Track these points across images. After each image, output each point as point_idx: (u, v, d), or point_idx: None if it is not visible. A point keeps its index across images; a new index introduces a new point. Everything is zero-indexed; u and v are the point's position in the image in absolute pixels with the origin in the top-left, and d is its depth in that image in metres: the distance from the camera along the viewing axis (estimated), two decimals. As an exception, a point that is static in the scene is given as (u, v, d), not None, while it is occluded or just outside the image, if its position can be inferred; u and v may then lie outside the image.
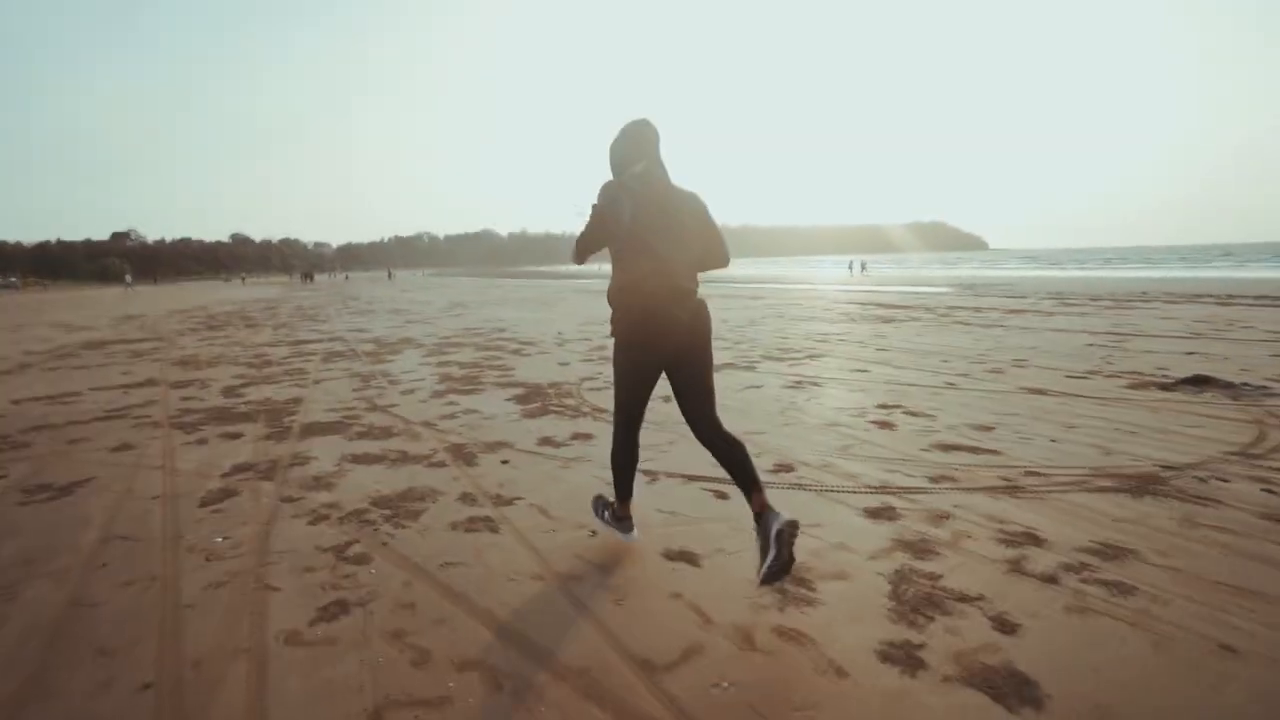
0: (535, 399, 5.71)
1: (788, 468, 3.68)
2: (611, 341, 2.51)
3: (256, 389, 6.50)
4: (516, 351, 8.76)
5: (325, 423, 4.95)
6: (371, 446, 4.26)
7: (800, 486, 3.37)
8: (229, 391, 6.39)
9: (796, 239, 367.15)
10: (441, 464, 3.87)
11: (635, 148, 2.35)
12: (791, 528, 2.14)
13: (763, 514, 2.24)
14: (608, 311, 2.50)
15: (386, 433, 4.62)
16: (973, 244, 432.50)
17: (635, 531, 2.68)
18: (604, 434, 4.34)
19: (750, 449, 2.45)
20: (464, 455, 4.04)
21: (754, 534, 2.29)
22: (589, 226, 2.38)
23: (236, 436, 4.60)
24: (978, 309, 14.23)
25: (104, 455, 4.24)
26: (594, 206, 2.36)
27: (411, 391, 6.15)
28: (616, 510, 2.68)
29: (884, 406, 5.11)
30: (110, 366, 8.43)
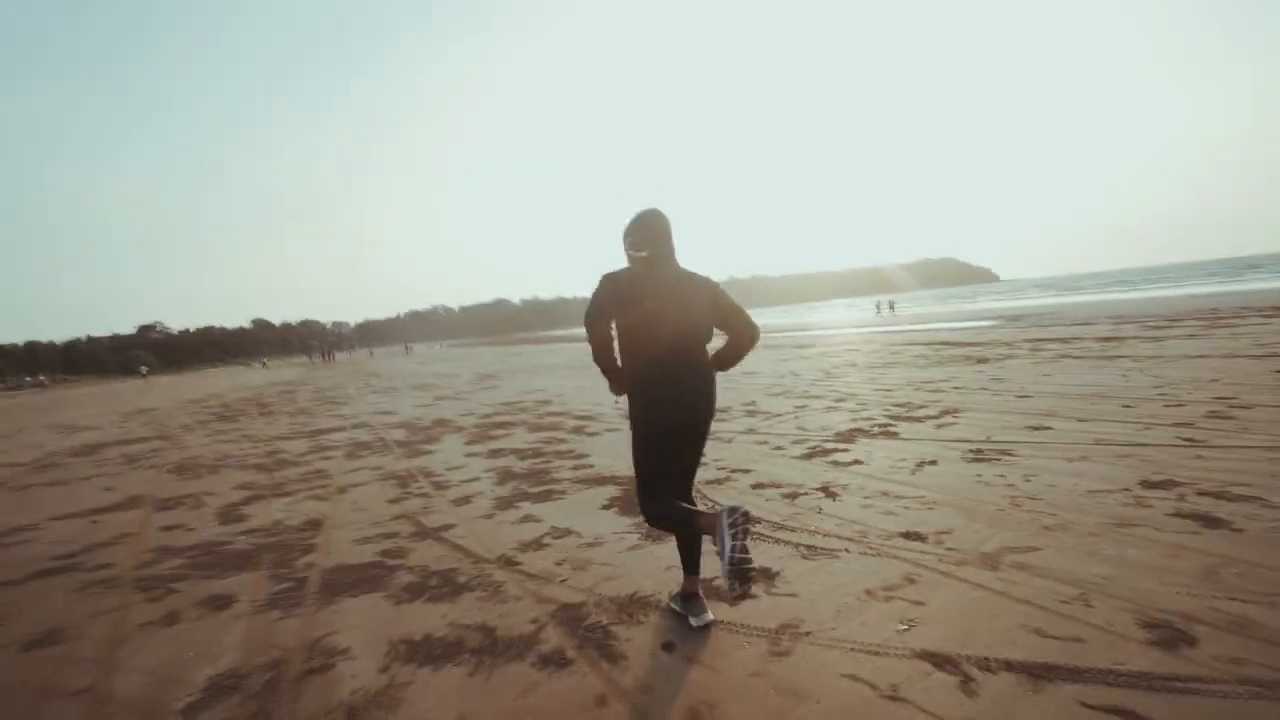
0: (642, 503, 4.12)
1: (1167, 629, 2.06)
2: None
3: (263, 506, 4.99)
4: (578, 430, 7.23)
5: (356, 566, 3.40)
6: (433, 618, 2.69)
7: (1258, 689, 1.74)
8: (227, 513, 4.88)
9: (807, 286, 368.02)
10: (560, 657, 2.29)
11: (648, 233, 2.40)
12: (737, 515, 2.07)
13: (691, 599, 2.44)
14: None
15: (450, 584, 3.05)
16: (984, 277, 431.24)
17: (709, 613, 2.48)
18: (792, 565, 2.77)
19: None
20: (589, 633, 2.46)
21: (672, 602, 2.55)
22: (588, 318, 2.37)
23: (224, 605, 3.04)
24: (1065, 339, 12.64)
25: (7, 660, 2.69)
26: (589, 311, 2.38)
27: (467, 500, 4.60)
28: (684, 587, 2.57)
29: (1154, 485, 3.49)
30: (93, 480, 6.98)
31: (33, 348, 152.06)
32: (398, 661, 2.33)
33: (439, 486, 5.10)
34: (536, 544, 3.52)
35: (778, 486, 4.28)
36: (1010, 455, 4.49)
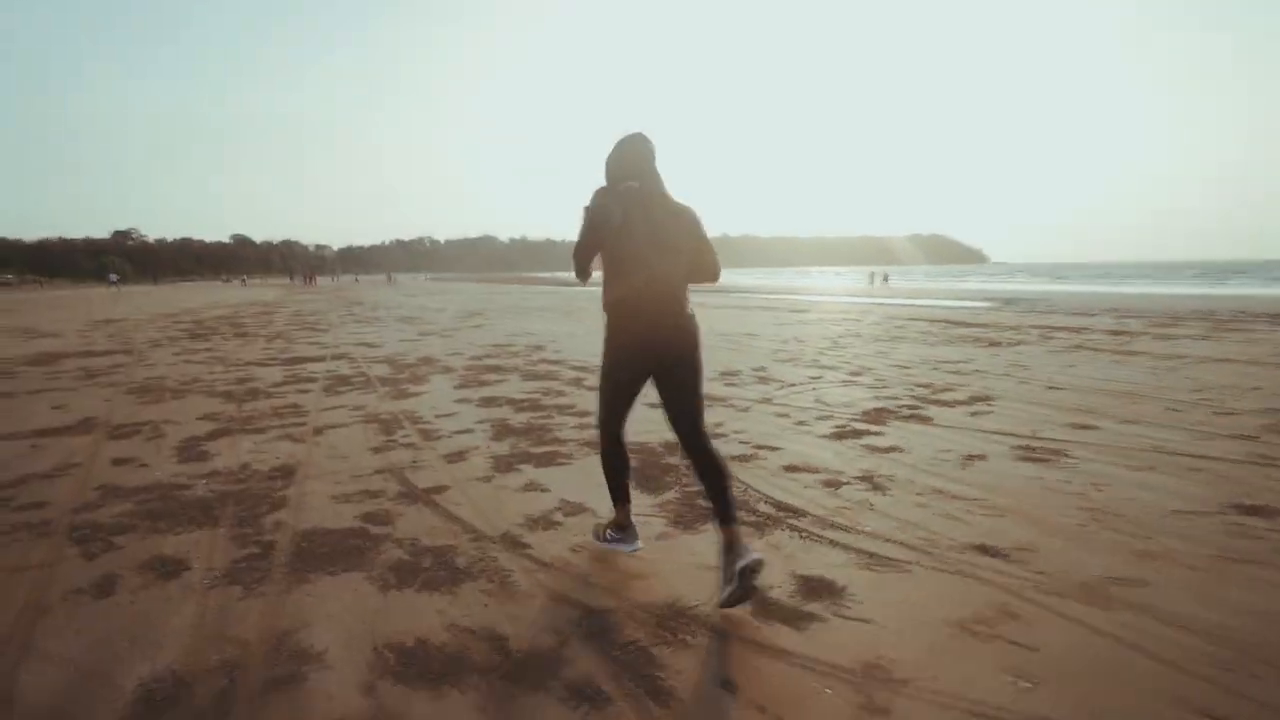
0: (666, 478, 3.65)
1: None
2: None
3: (230, 443, 4.44)
4: (577, 381, 6.71)
5: (334, 532, 2.89)
6: (428, 614, 2.20)
7: None
8: (188, 449, 4.32)
9: (798, 249, 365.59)
10: (593, 690, 1.81)
11: (631, 161, 2.35)
12: (756, 565, 2.13)
13: (733, 546, 2.21)
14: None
15: (448, 566, 2.56)
16: (973, 257, 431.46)
17: (639, 541, 2.64)
18: (856, 579, 2.31)
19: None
20: (625, 656, 1.98)
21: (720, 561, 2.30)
22: (581, 232, 2.33)
23: (173, 572, 2.52)
24: (1074, 329, 12.27)
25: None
26: (585, 210, 2.32)
27: (461, 457, 4.09)
28: (615, 520, 2.65)
29: (1251, 510, 3.08)
30: (44, 395, 6.36)
31: (1, 244, 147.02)
32: (386, 678, 1.84)
33: (428, 436, 4.58)
34: (546, 521, 3.04)
35: (813, 471, 3.82)
36: (1066, 457, 4.06)
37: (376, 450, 4.23)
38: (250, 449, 4.29)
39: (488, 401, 5.76)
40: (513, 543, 2.79)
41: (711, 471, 2.40)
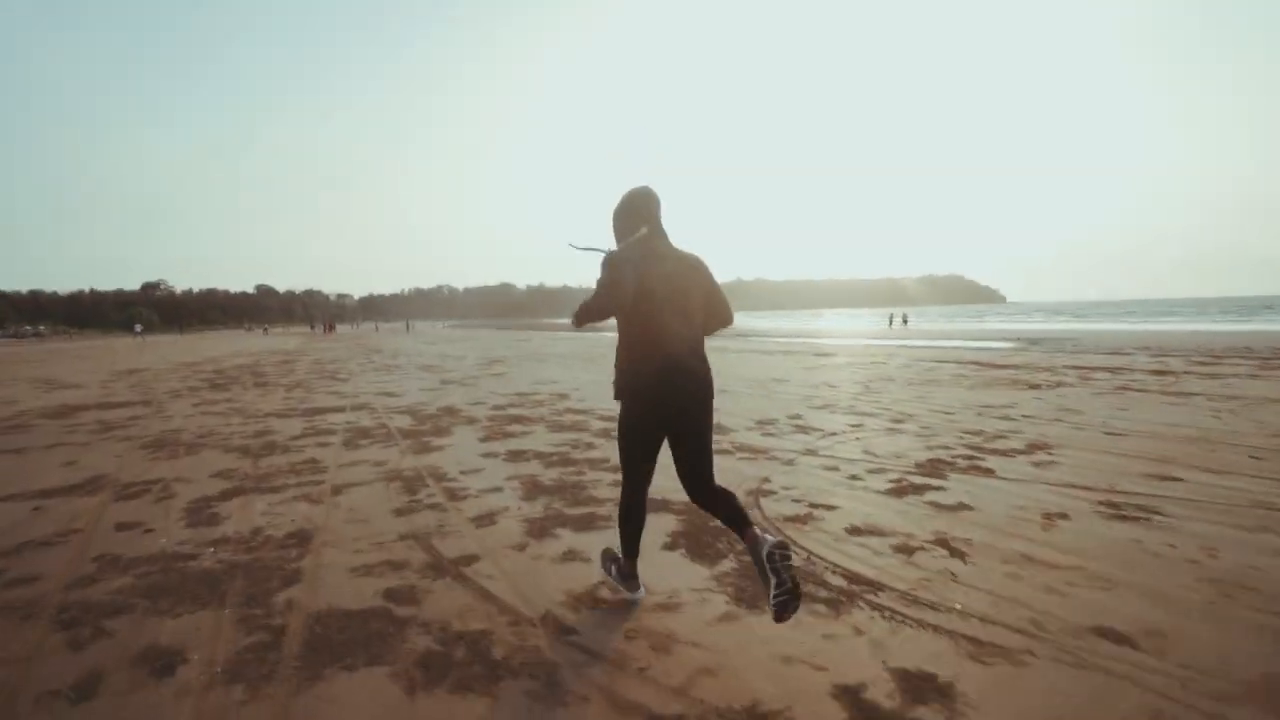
0: (718, 544, 3.29)
1: None
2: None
3: (243, 505, 4.14)
4: (606, 433, 6.37)
5: (353, 614, 2.55)
6: (462, 725, 1.84)
7: None
8: (198, 511, 4.03)
9: (812, 292, 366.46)
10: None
11: (637, 213, 2.38)
12: (780, 549, 2.14)
13: (753, 544, 2.22)
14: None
15: (484, 660, 2.21)
16: (990, 297, 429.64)
17: (642, 590, 2.66)
18: (965, 672, 1.92)
19: None
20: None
21: (609, 573, 2.69)
22: (597, 298, 2.35)
23: (168, 668, 2.19)
24: (1112, 369, 11.79)
25: None
26: (599, 281, 2.32)
27: (491, 520, 3.75)
28: (623, 568, 2.66)
29: None
30: (56, 451, 6.14)
31: (37, 297, 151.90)
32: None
33: (454, 496, 4.25)
34: (591, 599, 2.68)
35: (880, 534, 3.44)
36: (1159, 515, 3.64)
37: (399, 512, 3.90)
38: (264, 511, 3.98)
39: (515, 455, 5.44)
40: (557, 626, 2.44)
41: (726, 507, 2.42)
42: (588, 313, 2.42)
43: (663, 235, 2.41)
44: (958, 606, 2.56)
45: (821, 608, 2.59)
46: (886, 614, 2.52)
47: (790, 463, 5.12)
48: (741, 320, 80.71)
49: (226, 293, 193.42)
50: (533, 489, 4.38)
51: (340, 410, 8.44)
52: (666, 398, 2.33)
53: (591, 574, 2.95)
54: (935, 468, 4.86)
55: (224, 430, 7.06)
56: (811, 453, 5.47)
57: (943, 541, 3.30)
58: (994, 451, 5.36)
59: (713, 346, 23.64)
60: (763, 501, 4.07)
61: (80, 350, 35.40)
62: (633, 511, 2.55)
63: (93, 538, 3.55)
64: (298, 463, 5.33)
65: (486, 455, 5.47)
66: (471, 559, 3.12)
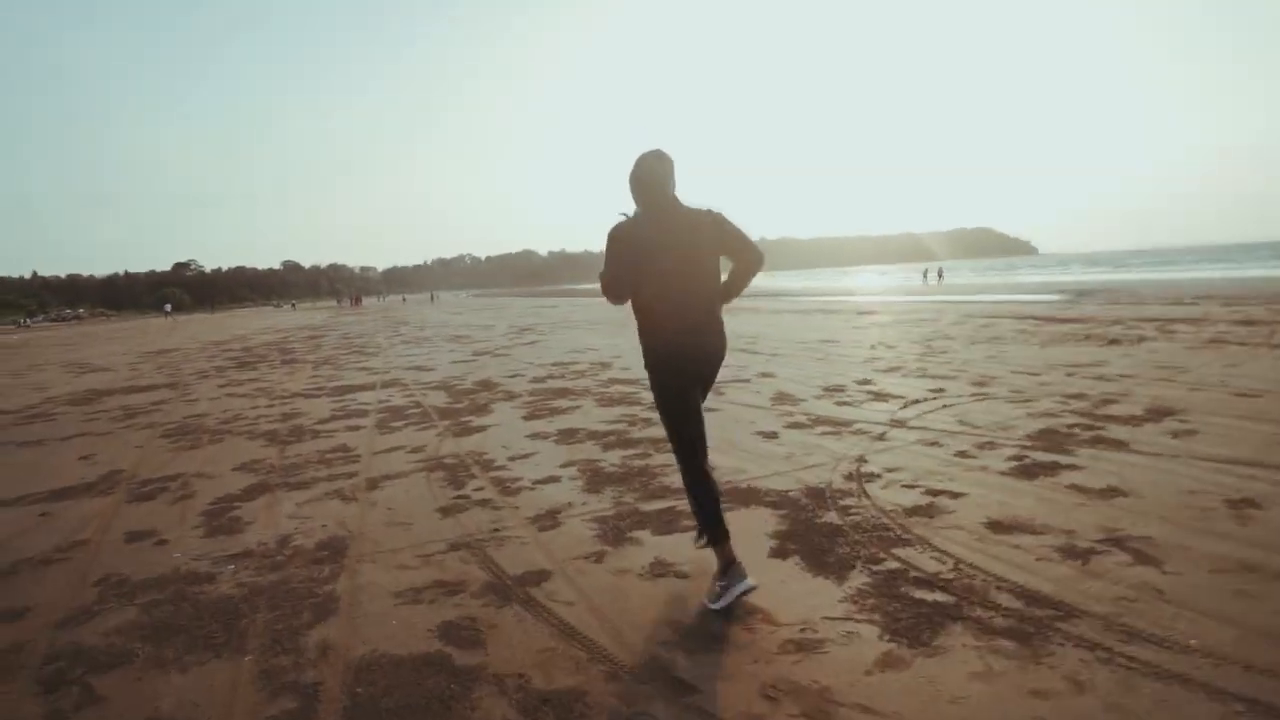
0: (837, 547, 2.67)
1: None
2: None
3: (269, 507, 3.63)
4: (663, 406, 5.76)
5: (403, 665, 2.00)
6: None
7: None
8: (219, 514, 3.53)
9: (839, 249, 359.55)
10: None
11: (649, 178, 2.35)
12: (747, 592, 2.20)
13: (729, 568, 2.24)
14: None
15: (580, 739, 1.64)
16: (1021, 249, 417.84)
17: (749, 578, 2.27)
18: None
19: None
20: None
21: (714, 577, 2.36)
22: (603, 272, 2.39)
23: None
24: (1191, 320, 10.83)
25: None
26: (602, 274, 2.38)
27: (554, 521, 3.18)
28: (721, 568, 2.32)
29: None
30: (75, 442, 5.74)
31: (74, 281, 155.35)
32: None
33: (506, 489, 3.70)
34: (704, 635, 2.10)
35: (1031, 530, 2.80)
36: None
37: (445, 512, 3.36)
38: (291, 513, 3.47)
39: (566, 435, 4.87)
40: (667, 680, 1.86)
41: (712, 484, 2.41)
42: (608, 285, 2.40)
43: (671, 201, 2.37)
44: (1193, 644, 1.93)
45: (1008, 644, 1.97)
46: (1102, 655, 1.89)
47: (881, 437, 4.48)
48: (774, 281, 79.29)
49: (254, 270, 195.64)
50: (595, 478, 3.81)
51: (370, 388, 7.96)
52: (688, 357, 2.38)
53: (691, 594, 2.37)
54: (1054, 440, 4.18)
55: (250, 414, 6.62)
56: (900, 424, 4.81)
57: (1117, 541, 2.65)
58: (1111, 419, 4.65)
59: (747, 306, 22.79)
60: (869, 488, 3.44)
61: (113, 331, 35.79)
62: (699, 488, 2.38)
63: (99, 552, 3.06)
64: (328, 450, 4.83)
65: (535, 436, 4.91)
66: (540, 576, 2.56)
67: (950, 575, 2.44)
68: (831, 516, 3.07)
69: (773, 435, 4.66)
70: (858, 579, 2.45)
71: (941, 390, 6.01)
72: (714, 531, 2.33)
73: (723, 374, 7.26)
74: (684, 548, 2.75)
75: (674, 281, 2.31)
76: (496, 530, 3.06)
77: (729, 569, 2.27)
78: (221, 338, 21.95)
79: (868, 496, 3.32)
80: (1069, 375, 6.47)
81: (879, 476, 3.63)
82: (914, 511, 3.09)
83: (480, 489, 3.71)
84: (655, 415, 5.39)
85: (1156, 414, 4.73)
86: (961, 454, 4.01)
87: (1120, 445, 4.01)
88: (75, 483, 4.34)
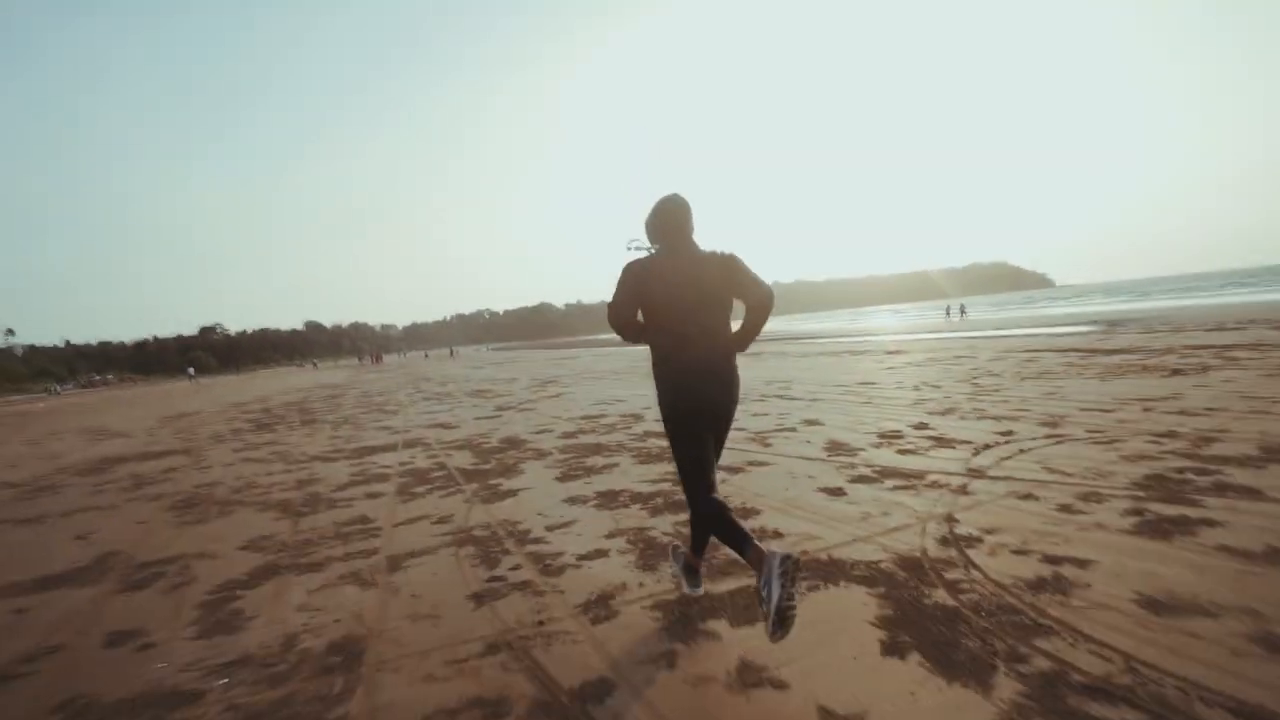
0: (971, 646, 2.14)
1: None
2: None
3: (276, 595, 3.17)
4: (708, 460, 5.26)
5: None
6: None
7: None
8: (217, 607, 3.07)
9: (854, 290, 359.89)
10: None
11: (667, 220, 2.40)
12: (790, 563, 1.93)
13: (761, 560, 2.04)
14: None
15: None
16: (1037, 282, 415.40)
17: (701, 588, 2.67)
18: None
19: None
20: None
21: (673, 562, 2.79)
22: (610, 309, 2.41)
23: None
24: (1251, 346, 10.16)
25: None
26: (611, 303, 2.41)
27: (608, 609, 2.68)
28: (689, 561, 2.67)
29: None
30: (75, 518, 5.34)
31: (105, 348, 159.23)
32: None
33: (547, 568, 3.20)
34: (832, 784, 1.57)
35: (1205, 613, 2.25)
36: None
37: (478, 600, 2.86)
38: (301, 602, 3.00)
39: (607, 499, 4.38)
40: None
41: (725, 512, 2.28)
42: (614, 314, 2.43)
43: (686, 243, 2.40)
44: None
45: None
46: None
47: (964, 490, 3.94)
48: (793, 324, 78.80)
49: (278, 331, 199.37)
50: (648, 550, 3.30)
51: (391, 449, 7.54)
52: (700, 395, 2.37)
53: (801, 712, 1.85)
54: (1169, 489, 3.63)
55: (264, 481, 6.20)
56: (979, 474, 4.27)
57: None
58: (1223, 460, 4.09)
59: (773, 350, 22.28)
60: (973, 555, 2.91)
61: (137, 396, 36.03)
62: (715, 521, 2.34)
63: (72, 662, 2.60)
64: (345, 522, 4.38)
65: (572, 501, 4.42)
66: (602, 689, 2.05)
67: (1126, 679, 1.90)
68: (941, 595, 2.54)
69: (839, 492, 4.14)
70: (1006, 686, 1.92)
71: (1010, 433, 5.46)
72: (696, 543, 2.61)
73: (765, 423, 6.74)
74: (784, 654, 2.23)
75: (688, 321, 2.33)
76: (541, 624, 2.57)
77: (691, 574, 2.68)
78: (242, 399, 21.82)
79: (975, 567, 2.79)
80: (1145, 410, 5.91)
81: (979, 540, 3.10)
82: (1039, 586, 2.56)
83: (517, 568, 3.22)
84: None
85: (1273, 452, 4.17)
86: (1065, 508, 3.47)
87: (1254, 493, 3.45)
88: (66, 568, 3.91)
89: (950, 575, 2.73)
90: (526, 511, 4.25)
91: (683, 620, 2.50)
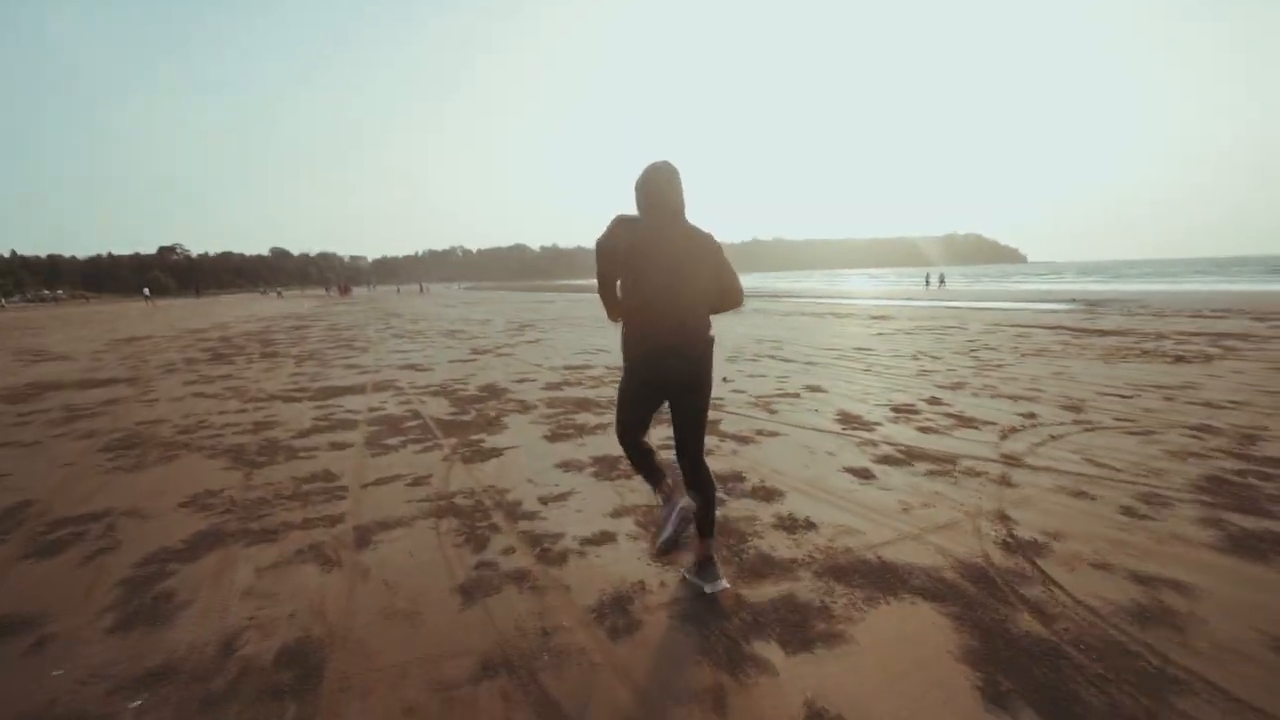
0: (1095, 702, 1.71)
1: None
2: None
3: (216, 573, 2.63)
4: (719, 429, 4.81)
5: None
6: None
7: None
8: (141, 589, 2.52)
9: (830, 252, 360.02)
10: None
11: (656, 187, 2.32)
12: (687, 511, 2.42)
13: (670, 496, 2.50)
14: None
15: None
16: (1011, 257, 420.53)
17: (723, 581, 2.39)
18: None
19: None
20: None
21: (686, 573, 2.49)
22: (597, 267, 2.40)
23: None
24: (1245, 336, 10.01)
25: None
26: (597, 242, 2.38)
27: (627, 616, 2.21)
28: (696, 557, 2.46)
29: None
30: (-8, 453, 4.67)
31: (55, 261, 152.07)
32: None
33: (546, 554, 2.71)
34: None
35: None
36: None
37: (466, 594, 2.36)
38: (248, 586, 2.46)
39: (606, 467, 3.88)
40: None
41: (707, 486, 2.42)
42: (600, 286, 2.45)
43: (676, 213, 2.32)
44: None
45: None
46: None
47: (1007, 481, 3.54)
48: (768, 281, 78.35)
49: (242, 256, 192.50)
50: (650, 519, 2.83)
51: (360, 390, 6.93)
52: (663, 366, 2.31)
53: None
54: (1237, 495, 3.28)
55: (215, 420, 5.58)
56: (1016, 462, 3.88)
57: None
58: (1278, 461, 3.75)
59: (753, 309, 21.85)
60: (1046, 568, 2.50)
61: (88, 315, 34.25)
62: (636, 453, 2.50)
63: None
64: (305, 478, 3.82)
65: (566, 467, 3.92)
66: (638, 743, 1.58)
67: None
68: (1029, 622, 2.12)
69: (866, 475, 3.71)
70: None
71: (1033, 415, 5.09)
72: (650, 477, 2.57)
73: (764, 386, 6.22)
74: (840, 675, 1.78)
75: (665, 287, 2.27)
76: (546, 633, 2.08)
77: (671, 494, 2.56)
78: (200, 325, 20.71)
79: (1055, 584, 2.38)
80: (1167, 400, 5.59)
81: (1046, 547, 2.69)
82: (1144, 617, 2.15)
83: (509, 551, 2.72)
84: (722, 444, 4.45)
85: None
86: (1128, 511, 3.09)
87: (1334, 505, 3.09)
88: (-36, 523, 3.29)
89: (1029, 593, 2.32)
90: (515, 477, 3.74)
91: (724, 640, 2.03)
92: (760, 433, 4.70)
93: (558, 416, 5.34)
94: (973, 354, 8.88)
